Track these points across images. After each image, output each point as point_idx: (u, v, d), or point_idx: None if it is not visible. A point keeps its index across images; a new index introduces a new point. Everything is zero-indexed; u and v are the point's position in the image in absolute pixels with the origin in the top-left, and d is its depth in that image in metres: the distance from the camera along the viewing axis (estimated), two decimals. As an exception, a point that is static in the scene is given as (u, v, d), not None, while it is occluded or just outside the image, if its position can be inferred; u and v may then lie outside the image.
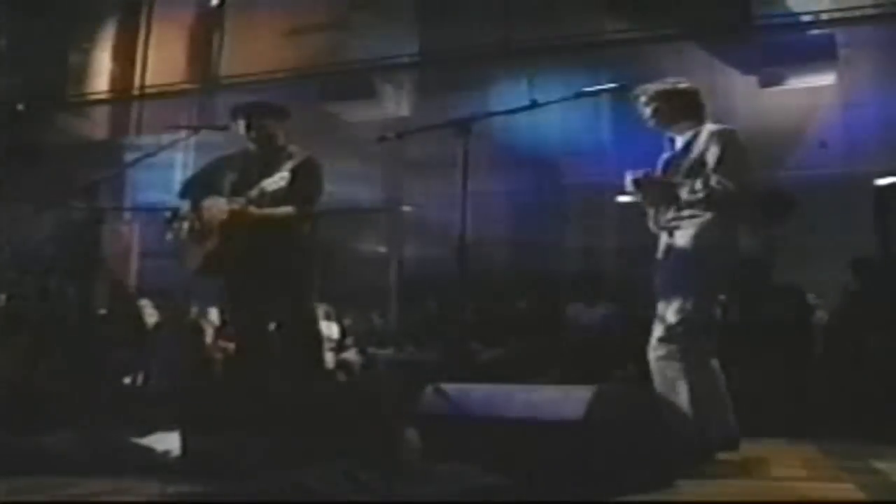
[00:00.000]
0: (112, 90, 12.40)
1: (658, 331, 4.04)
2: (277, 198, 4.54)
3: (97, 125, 12.33)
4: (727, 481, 3.38)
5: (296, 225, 4.75)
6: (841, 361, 6.38)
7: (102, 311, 9.19)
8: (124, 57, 12.40)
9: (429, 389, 3.36)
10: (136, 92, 12.22)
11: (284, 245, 4.68)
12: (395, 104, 11.47)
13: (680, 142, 4.32)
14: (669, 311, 3.99)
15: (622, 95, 4.43)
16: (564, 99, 4.08)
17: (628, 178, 4.22)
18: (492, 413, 3.14)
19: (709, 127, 4.23)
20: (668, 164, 4.32)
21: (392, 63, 11.39)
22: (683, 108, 4.33)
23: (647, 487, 3.01)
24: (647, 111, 4.38)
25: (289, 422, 3.61)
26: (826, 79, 9.64)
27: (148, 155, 5.07)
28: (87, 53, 12.47)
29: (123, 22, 12.63)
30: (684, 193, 4.07)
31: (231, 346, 8.85)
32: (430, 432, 3.23)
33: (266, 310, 4.88)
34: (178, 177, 10.88)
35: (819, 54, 9.47)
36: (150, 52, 12.33)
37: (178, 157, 10.31)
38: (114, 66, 12.47)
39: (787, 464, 3.96)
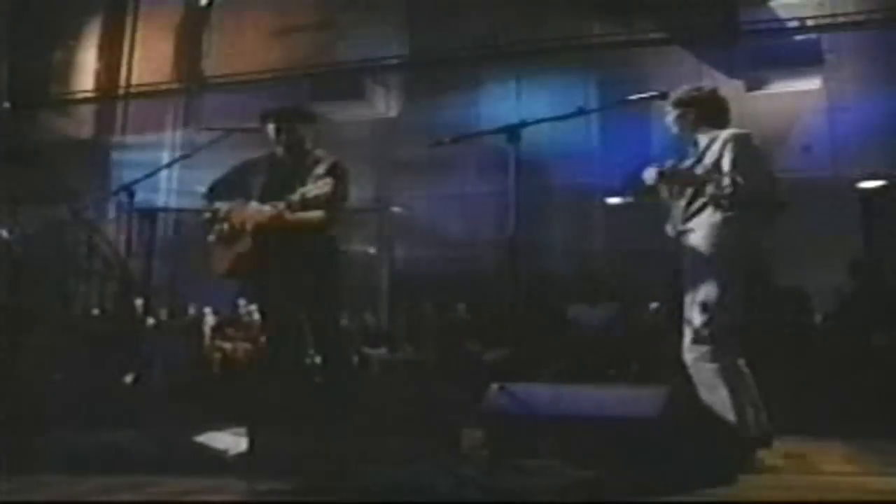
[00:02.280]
0: (98, 89, 12.26)
1: (690, 333, 4.11)
2: (316, 202, 4.55)
3: (82, 124, 12.19)
4: (786, 476, 3.47)
5: (329, 228, 4.77)
6: (842, 361, 6.53)
7: (96, 311, 9.17)
8: (110, 56, 12.28)
9: (493, 388, 3.41)
10: (122, 91, 12.11)
11: (319, 248, 4.70)
12: (384, 105, 11.53)
13: (702, 146, 4.40)
14: (697, 313, 4.07)
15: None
16: (609, 107, 4.17)
17: (652, 170, 4.28)
18: (562, 412, 3.20)
19: (726, 131, 4.32)
20: (690, 168, 4.39)
21: (381, 64, 11.44)
22: (707, 114, 4.38)
23: (714, 482, 3.09)
24: (672, 117, 4.46)
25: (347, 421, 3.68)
26: (811, 83, 9.88)
27: (184, 156, 5.06)
28: (72, 52, 12.33)
29: (110, 21, 12.51)
30: (710, 188, 4.14)
31: (229, 345, 8.94)
32: (502, 431, 3.28)
33: (297, 311, 4.88)
34: (165, 176, 10.88)
35: (805, 59, 9.70)
36: (137, 51, 12.24)
37: (164, 156, 10.27)
38: (100, 65, 12.34)
39: (830, 460, 4.01)
